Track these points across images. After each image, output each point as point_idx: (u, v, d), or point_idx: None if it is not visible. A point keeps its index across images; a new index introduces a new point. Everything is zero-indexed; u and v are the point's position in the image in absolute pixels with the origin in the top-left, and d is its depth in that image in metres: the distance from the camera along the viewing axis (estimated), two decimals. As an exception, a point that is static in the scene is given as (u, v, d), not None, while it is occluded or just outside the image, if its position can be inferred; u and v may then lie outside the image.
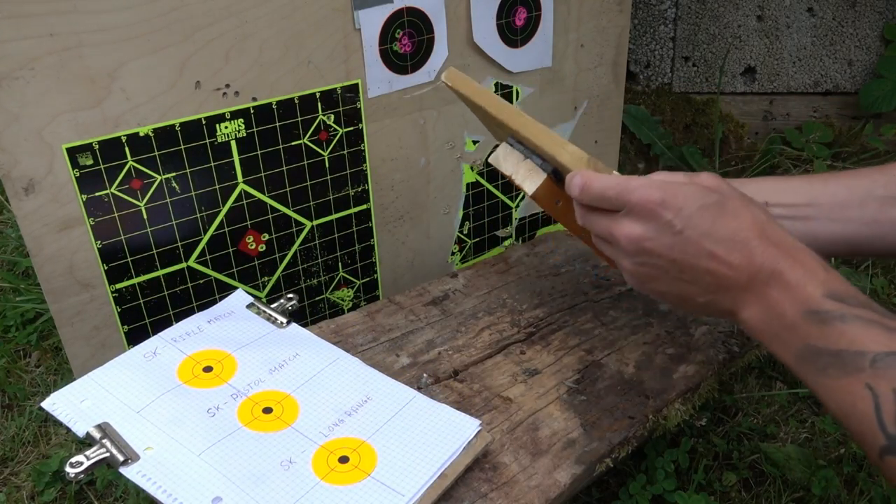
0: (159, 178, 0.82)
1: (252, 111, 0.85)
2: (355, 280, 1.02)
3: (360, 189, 0.97)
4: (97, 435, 0.62)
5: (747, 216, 0.55)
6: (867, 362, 0.46)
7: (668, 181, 0.57)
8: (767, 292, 0.53)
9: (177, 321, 0.79)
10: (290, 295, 0.84)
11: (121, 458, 0.60)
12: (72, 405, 0.65)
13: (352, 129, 0.93)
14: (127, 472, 0.59)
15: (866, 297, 0.51)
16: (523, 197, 1.15)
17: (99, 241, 0.80)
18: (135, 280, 0.84)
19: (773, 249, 0.53)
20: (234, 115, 0.84)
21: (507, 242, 1.17)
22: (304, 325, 0.80)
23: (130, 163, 0.79)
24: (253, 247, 0.92)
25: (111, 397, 0.66)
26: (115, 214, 0.80)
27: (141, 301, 0.86)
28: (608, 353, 0.81)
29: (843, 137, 1.53)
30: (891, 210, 0.65)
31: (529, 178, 0.72)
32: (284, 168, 0.90)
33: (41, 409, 0.69)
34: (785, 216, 0.67)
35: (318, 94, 0.88)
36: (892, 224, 0.65)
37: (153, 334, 0.76)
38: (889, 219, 0.65)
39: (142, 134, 0.79)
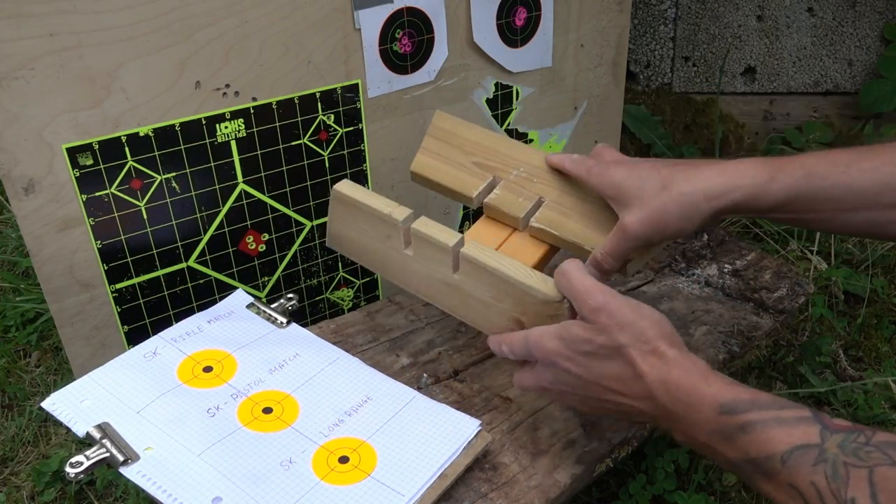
0: (159, 178, 0.82)
1: (252, 111, 0.85)
2: (355, 280, 1.02)
3: (360, 189, 0.97)
4: (97, 435, 0.62)
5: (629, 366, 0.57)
6: (779, 464, 0.48)
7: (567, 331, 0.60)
8: (672, 426, 0.57)
9: (177, 321, 0.79)
10: (290, 295, 0.84)
11: (121, 458, 0.60)
12: (72, 405, 0.65)
13: (352, 129, 0.93)
14: (127, 472, 0.59)
15: (751, 392, 0.53)
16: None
17: (99, 241, 0.80)
18: (135, 280, 0.84)
19: (666, 385, 0.56)
20: (234, 115, 0.84)
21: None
22: (304, 325, 0.80)
23: (130, 163, 0.79)
24: (253, 247, 0.92)
25: (111, 397, 0.66)
26: (115, 214, 0.80)
27: (141, 301, 0.86)
28: (608, 353, 0.81)
29: (843, 137, 1.53)
30: None
31: None
32: (284, 168, 0.90)
33: (41, 409, 0.69)
34: (783, 218, 0.66)
35: (318, 94, 0.88)
36: None
37: (153, 334, 0.76)
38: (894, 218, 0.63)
39: (142, 134, 0.79)
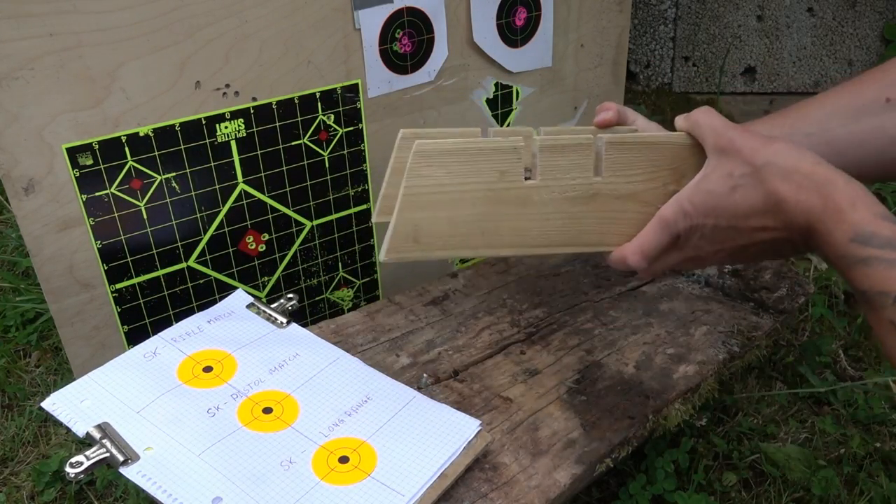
0: (159, 178, 0.82)
1: (252, 111, 0.85)
2: (355, 280, 1.02)
3: (360, 189, 0.97)
4: (97, 435, 0.62)
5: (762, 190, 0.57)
6: (890, 301, 0.50)
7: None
8: (809, 242, 0.56)
9: (177, 321, 0.79)
10: (290, 295, 0.84)
11: (121, 458, 0.60)
12: (72, 405, 0.65)
13: (352, 129, 0.93)
14: (127, 472, 0.59)
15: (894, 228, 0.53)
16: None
17: (99, 241, 0.80)
18: (135, 280, 0.84)
19: (803, 205, 0.55)
20: (234, 115, 0.84)
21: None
22: (304, 325, 0.80)
23: (130, 163, 0.79)
24: (253, 247, 0.92)
25: (111, 397, 0.66)
26: (115, 214, 0.80)
27: (141, 301, 0.86)
28: (608, 353, 0.81)
29: (843, 137, 1.53)
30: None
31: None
32: (284, 168, 0.90)
33: (41, 409, 0.69)
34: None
35: (318, 94, 0.88)
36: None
37: (153, 334, 0.76)
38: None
39: (142, 134, 0.79)
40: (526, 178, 0.62)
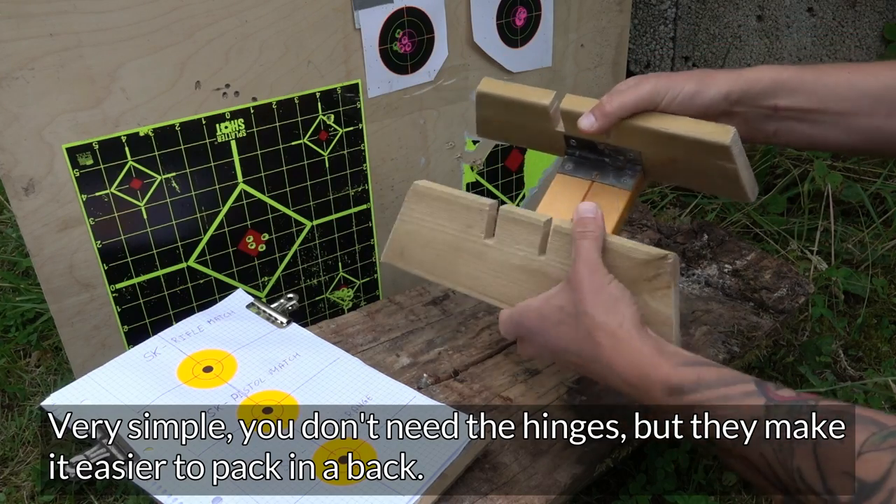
0: (159, 178, 0.82)
1: (252, 111, 0.85)
2: (355, 280, 1.02)
3: (360, 189, 0.97)
4: (97, 435, 0.62)
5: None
6: (730, 445, 0.51)
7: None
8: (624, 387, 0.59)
9: (177, 321, 0.79)
10: (290, 295, 0.84)
11: (121, 458, 0.60)
12: (72, 405, 0.65)
13: (352, 129, 0.93)
14: (127, 471, 0.60)
15: (697, 369, 0.55)
16: (523, 197, 1.15)
17: (99, 241, 0.80)
18: (135, 280, 0.84)
19: (615, 375, 0.59)
20: (234, 115, 0.84)
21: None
22: (304, 325, 0.80)
23: (130, 163, 0.79)
24: (253, 247, 0.92)
25: (111, 397, 0.66)
26: (115, 214, 0.80)
27: (141, 301, 0.86)
28: (608, 353, 0.81)
29: (843, 137, 1.53)
30: None
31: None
32: (284, 168, 0.90)
33: (41, 409, 0.69)
34: (793, 118, 0.68)
35: (318, 94, 0.88)
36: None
37: (153, 334, 0.76)
38: (893, 128, 0.66)
39: (142, 134, 0.79)
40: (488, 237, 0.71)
